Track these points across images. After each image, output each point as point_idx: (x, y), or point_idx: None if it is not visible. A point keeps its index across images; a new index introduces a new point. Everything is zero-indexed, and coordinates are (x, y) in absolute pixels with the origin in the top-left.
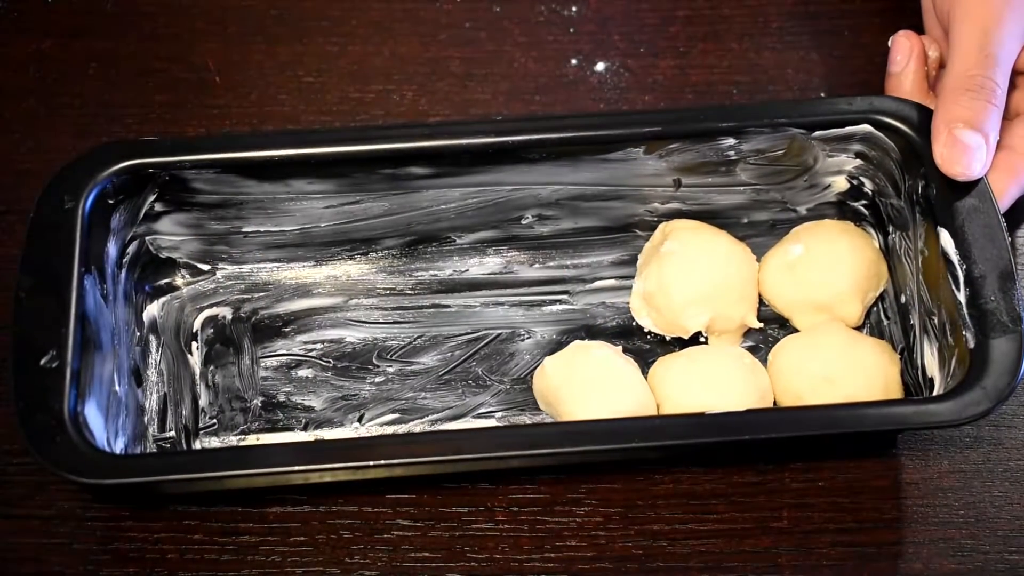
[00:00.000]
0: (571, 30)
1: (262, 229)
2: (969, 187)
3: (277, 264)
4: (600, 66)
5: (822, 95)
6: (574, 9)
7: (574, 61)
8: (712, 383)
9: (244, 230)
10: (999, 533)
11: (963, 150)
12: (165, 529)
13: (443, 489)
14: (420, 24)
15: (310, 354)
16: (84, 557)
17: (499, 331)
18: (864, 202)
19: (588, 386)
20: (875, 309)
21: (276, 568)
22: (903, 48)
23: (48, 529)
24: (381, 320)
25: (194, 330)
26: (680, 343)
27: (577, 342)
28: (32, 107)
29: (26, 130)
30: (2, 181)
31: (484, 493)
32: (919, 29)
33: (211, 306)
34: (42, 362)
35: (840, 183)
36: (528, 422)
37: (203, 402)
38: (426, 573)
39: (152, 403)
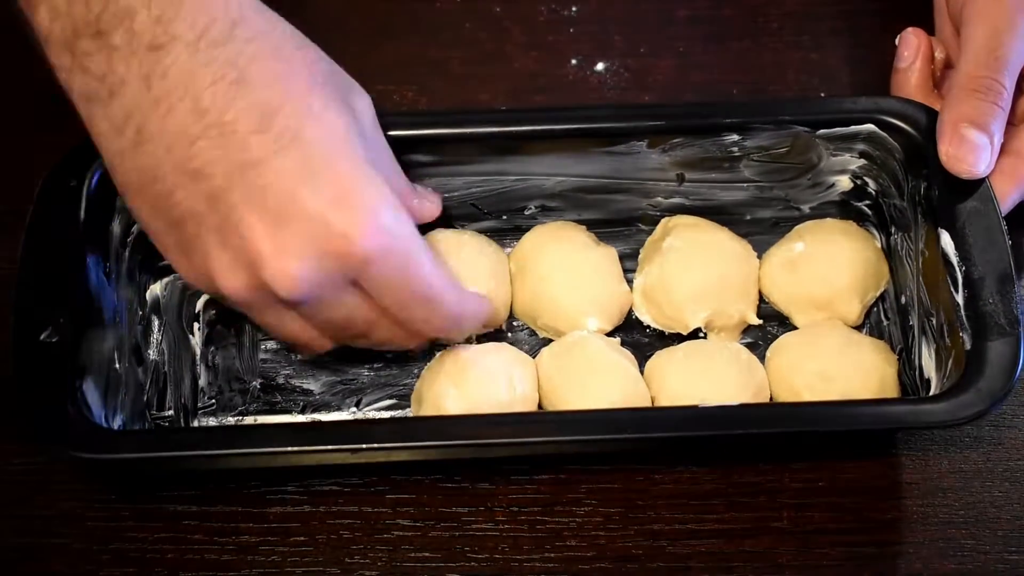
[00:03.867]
0: (571, 30)
1: None
2: (971, 189)
3: None
4: (600, 66)
5: (822, 95)
6: (574, 9)
7: (574, 61)
8: (708, 378)
9: None
10: (999, 533)
11: (969, 148)
12: (165, 529)
13: (443, 489)
14: (420, 24)
15: None
16: (84, 557)
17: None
18: (867, 202)
19: (582, 377)
20: (875, 309)
21: (276, 568)
22: (911, 45)
23: (48, 529)
24: None
25: (196, 311)
26: (679, 339)
27: (574, 333)
28: (32, 107)
29: (26, 130)
30: (2, 181)
31: (484, 493)
32: (919, 29)
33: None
34: (42, 337)
35: (844, 182)
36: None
37: (203, 382)
38: (426, 573)
39: (152, 382)
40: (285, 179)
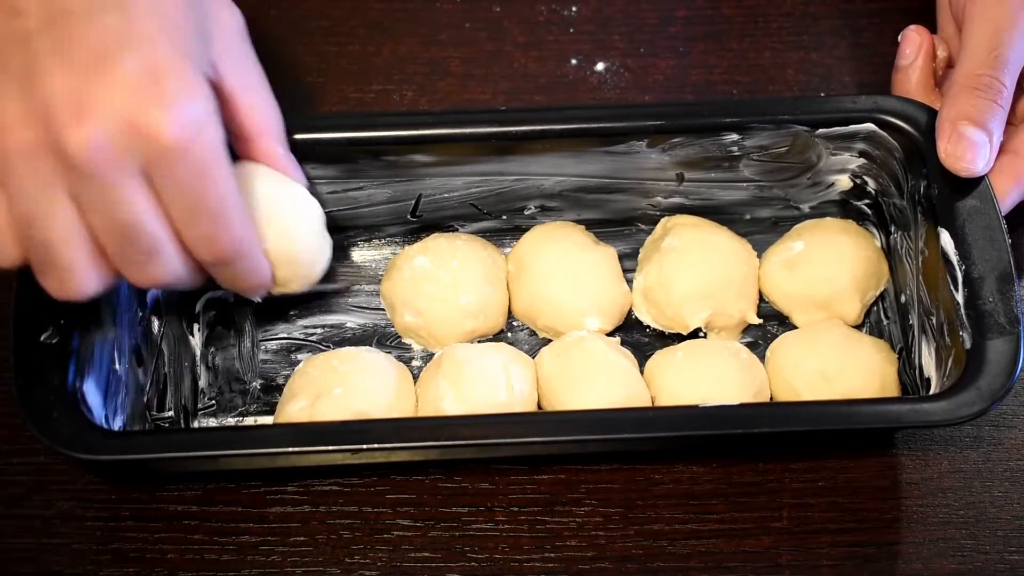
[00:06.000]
0: (571, 30)
1: None
2: (971, 188)
3: None
4: (600, 66)
5: (822, 95)
6: (574, 9)
7: (574, 61)
8: (708, 377)
9: None
10: (999, 533)
11: (968, 146)
12: (165, 529)
13: (443, 489)
14: (420, 24)
15: (310, 338)
16: (84, 557)
17: None
18: (867, 201)
19: (582, 377)
20: (875, 308)
21: (276, 568)
22: (913, 42)
23: (48, 529)
24: (381, 306)
25: (196, 311)
26: (679, 338)
27: (574, 333)
28: None
29: None
30: None
31: (484, 493)
32: (921, 26)
33: (214, 288)
34: (42, 338)
35: (843, 182)
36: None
37: (203, 383)
38: (426, 573)
39: (152, 383)
40: (102, 37)
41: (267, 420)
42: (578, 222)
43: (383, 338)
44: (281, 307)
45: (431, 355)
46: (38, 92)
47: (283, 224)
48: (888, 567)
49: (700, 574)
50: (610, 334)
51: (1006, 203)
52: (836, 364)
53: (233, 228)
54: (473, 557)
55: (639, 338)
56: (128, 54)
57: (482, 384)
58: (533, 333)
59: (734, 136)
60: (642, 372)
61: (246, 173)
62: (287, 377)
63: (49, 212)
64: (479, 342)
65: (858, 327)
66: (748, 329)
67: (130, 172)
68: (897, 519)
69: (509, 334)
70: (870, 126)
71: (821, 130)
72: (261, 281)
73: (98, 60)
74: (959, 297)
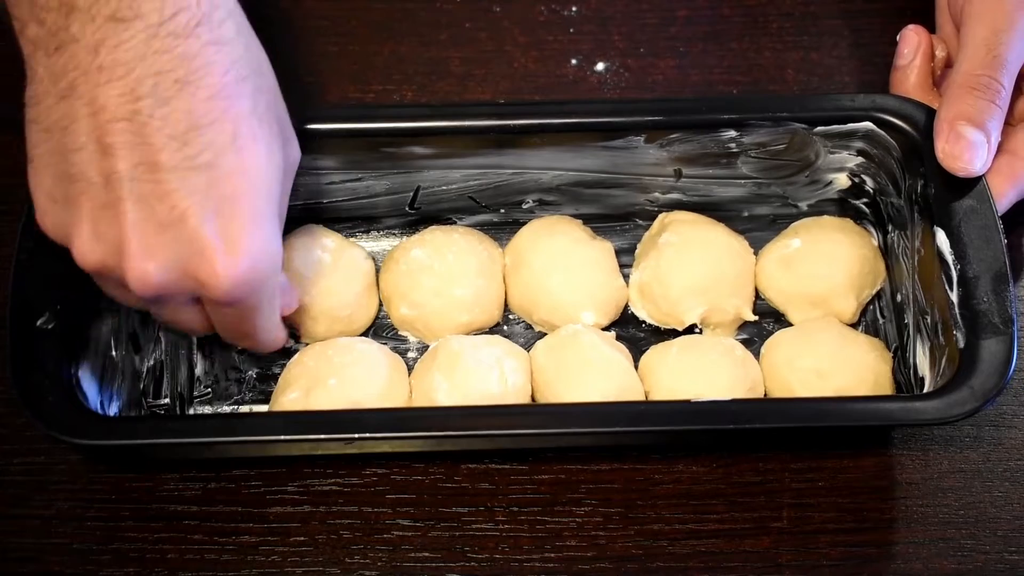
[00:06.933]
0: (571, 30)
1: None
2: (968, 188)
3: None
4: (600, 66)
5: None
6: (574, 9)
7: (574, 61)
8: (702, 373)
9: None
10: (999, 533)
11: (966, 146)
12: (165, 529)
13: (443, 489)
14: (420, 24)
15: None
16: (84, 557)
17: None
18: (865, 200)
19: (576, 370)
20: (872, 307)
21: (276, 568)
22: (911, 42)
23: (48, 529)
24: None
25: None
26: (675, 334)
27: (569, 326)
28: None
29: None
30: (1, 181)
31: (484, 493)
32: (920, 26)
33: None
34: (38, 323)
35: (842, 180)
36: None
37: (199, 371)
38: (426, 573)
39: (148, 370)
40: (184, 196)
41: (262, 409)
42: (576, 216)
43: (379, 330)
44: None
45: (427, 347)
46: (113, 228)
47: (326, 288)
48: (888, 567)
49: (700, 574)
50: (606, 329)
51: (1003, 203)
52: (831, 362)
53: (263, 338)
54: (473, 557)
55: (635, 333)
56: (207, 219)
57: (476, 376)
58: (529, 327)
59: (732, 133)
60: (636, 367)
61: (305, 233)
62: (283, 366)
63: (120, 296)
64: (475, 335)
65: (854, 325)
66: (744, 326)
67: (182, 302)
68: (897, 519)
69: (505, 327)
70: (868, 125)
71: (819, 128)
72: (273, 348)
73: (177, 220)
74: (954, 297)
